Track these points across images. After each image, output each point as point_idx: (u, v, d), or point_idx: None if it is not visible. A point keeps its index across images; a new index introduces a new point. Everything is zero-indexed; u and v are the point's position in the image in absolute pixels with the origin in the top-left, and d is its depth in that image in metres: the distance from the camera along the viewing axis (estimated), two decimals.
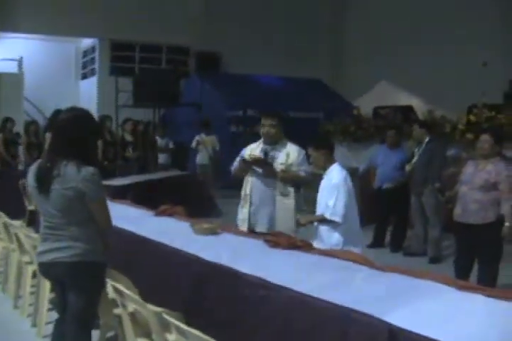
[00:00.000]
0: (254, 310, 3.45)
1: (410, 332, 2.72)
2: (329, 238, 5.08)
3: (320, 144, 5.34)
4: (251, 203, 5.66)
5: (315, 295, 3.18)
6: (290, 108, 15.63)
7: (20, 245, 5.72)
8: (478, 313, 2.99)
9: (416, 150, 8.54)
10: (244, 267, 3.79)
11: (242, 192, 5.85)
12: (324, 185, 5.21)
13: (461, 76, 16.94)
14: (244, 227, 5.62)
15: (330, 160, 5.25)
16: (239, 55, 20.59)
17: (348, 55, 23.07)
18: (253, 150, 5.78)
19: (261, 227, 5.56)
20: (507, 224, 5.68)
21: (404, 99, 15.24)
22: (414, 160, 8.42)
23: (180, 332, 2.90)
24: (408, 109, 12.70)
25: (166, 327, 3.18)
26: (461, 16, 17.94)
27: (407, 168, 8.46)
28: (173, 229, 5.29)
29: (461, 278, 5.52)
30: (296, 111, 16.30)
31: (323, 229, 5.12)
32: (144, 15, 20.33)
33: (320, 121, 13.75)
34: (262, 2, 21.91)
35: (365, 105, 14.35)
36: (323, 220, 5.08)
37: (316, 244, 5.00)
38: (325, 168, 5.23)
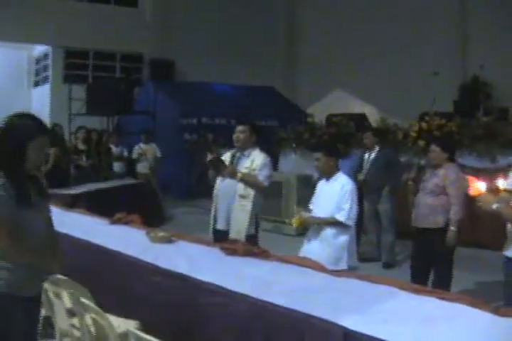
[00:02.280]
0: (213, 318, 3.46)
1: (364, 335, 2.78)
2: (336, 239, 5.25)
3: (331, 151, 5.50)
4: (216, 202, 6.04)
5: (272, 301, 3.21)
6: (244, 116, 15.70)
7: None
8: (432, 316, 3.06)
9: (366, 157, 8.59)
10: (202, 275, 3.81)
11: (215, 192, 6.16)
12: (332, 190, 5.35)
13: (413, 84, 17.23)
14: (211, 225, 6.04)
15: (336, 168, 5.45)
16: (193, 63, 20.58)
17: (302, 63, 23.24)
18: (227, 155, 6.14)
19: (220, 225, 5.95)
20: (452, 228, 5.82)
21: (357, 107, 15.42)
22: (366, 168, 8.50)
23: (138, 340, 2.90)
24: (361, 117, 12.85)
25: (123, 336, 3.18)
26: (414, 26, 18.25)
27: (359, 176, 8.40)
28: (129, 238, 5.27)
29: (417, 282, 5.60)
30: (250, 119, 16.35)
31: (330, 231, 5.26)
32: (98, 22, 20.22)
33: (274, 129, 13.79)
34: (216, 10, 21.95)
35: (319, 113, 14.48)
36: (331, 223, 5.24)
37: (314, 245, 5.29)
38: (329, 174, 5.43)
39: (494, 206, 3.95)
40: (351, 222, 5.24)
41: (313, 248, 5.27)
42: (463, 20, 18.03)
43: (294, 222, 5.38)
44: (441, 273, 6.12)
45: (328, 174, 5.46)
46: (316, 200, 5.53)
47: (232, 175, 5.84)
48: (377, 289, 3.51)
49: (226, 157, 6.13)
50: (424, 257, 6.19)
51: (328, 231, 5.25)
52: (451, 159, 6.20)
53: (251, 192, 5.86)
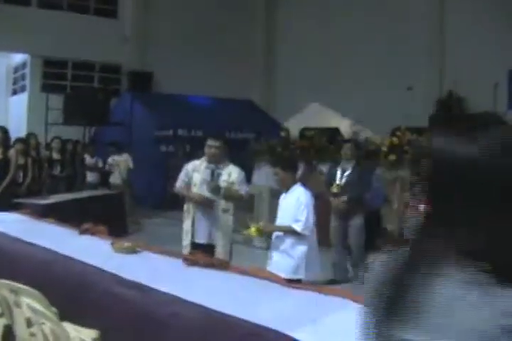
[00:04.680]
0: (169, 328, 3.51)
1: None
2: (294, 249, 5.48)
3: (288, 165, 5.79)
4: (194, 216, 6.23)
5: (224, 311, 3.28)
6: (221, 128, 15.78)
7: None
8: None
9: (340, 170, 8.40)
10: (161, 285, 3.86)
11: (185, 206, 6.43)
12: (289, 201, 5.59)
13: (388, 99, 17.42)
14: (187, 238, 6.22)
15: (294, 180, 5.73)
16: (171, 75, 20.66)
17: (280, 76, 23.43)
18: (197, 166, 6.37)
19: (201, 239, 6.19)
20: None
21: (333, 121, 15.56)
22: (342, 181, 8.32)
23: None
24: (334, 131, 12.99)
25: None
26: (390, 41, 18.49)
27: (334, 189, 8.32)
28: (94, 248, 5.31)
29: None
30: (227, 131, 16.44)
31: (288, 241, 5.50)
32: (77, 32, 20.25)
33: (249, 141, 13.90)
34: (194, 23, 22.09)
35: (295, 126, 14.62)
36: (288, 231, 5.46)
37: (275, 255, 5.55)
38: (287, 187, 5.67)
39: None
40: (307, 232, 5.44)
41: (275, 258, 5.49)
42: (440, 34, 18.27)
43: (253, 231, 5.50)
44: None
45: (286, 187, 5.68)
46: (279, 212, 5.73)
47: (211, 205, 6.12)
48: (330, 300, 3.58)
49: (196, 167, 6.34)
50: None
51: (287, 242, 5.49)
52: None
53: (231, 207, 6.20)
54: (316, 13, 21.45)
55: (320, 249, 7.80)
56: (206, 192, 6.20)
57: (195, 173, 6.35)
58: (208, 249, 5.98)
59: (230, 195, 6.11)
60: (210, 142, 6.26)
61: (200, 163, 6.38)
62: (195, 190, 6.32)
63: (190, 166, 6.44)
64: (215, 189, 6.10)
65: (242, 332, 3.10)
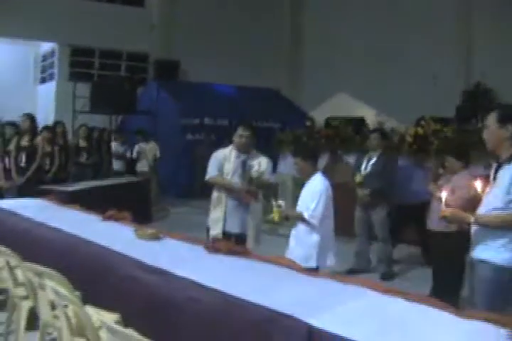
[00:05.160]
0: (188, 312, 3.57)
1: (328, 333, 2.88)
2: (307, 238, 5.52)
3: (308, 155, 5.76)
4: (226, 205, 6.21)
5: (242, 297, 3.33)
6: (246, 117, 15.81)
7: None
8: (396, 316, 3.16)
9: (365, 160, 8.32)
10: (181, 271, 3.93)
11: (215, 194, 6.35)
12: (308, 190, 5.63)
13: (414, 89, 17.32)
14: (217, 228, 6.20)
15: (314, 169, 5.74)
16: (198, 64, 20.72)
17: (306, 66, 23.39)
18: (227, 156, 6.31)
19: (234, 228, 6.19)
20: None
21: (358, 110, 15.53)
22: (367, 170, 8.24)
23: (113, 332, 3.01)
24: (360, 121, 12.95)
25: (101, 328, 3.30)
26: (417, 31, 18.35)
27: (357, 178, 8.24)
28: (118, 234, 5.39)
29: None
30: (253, 120, 16.47)
31: (302, 229, 5.56)
32: (105, 21, 20.41)
33: (274, 131, 13.90)
34: (222, 11, 22.12)
35: (321, 116, 14.61)
36: (300, 219, 5.52)
37: (291, 243, 5.62)
38: (308, 176, 5.70)
39: (471, 219, 4.05)
40: (314, 221, 5.45)
41: (290, 246, 5.54)
42: (467, 26, 18.11)
43: (274, 215, 5.53)
44: (443, 279, 6.27)
45: (307, 176, 5.71)
46: (300, 200, 5.75)
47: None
48: (346, 288, 3.62)
49: (226, 157, 6.33)
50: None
51: (300, 231, 5.56)
52: (465, 167, 6.40)
53: (260, 195, 6.26)
54: (342, 6, 21.36)
55: (343, 239, 7.90)
56: (238, 182, 6.20)
57: (225, 163, 6.29)
58: (240, 238, 6.05)
59: (261, 184, 6.15)
60: (241, 131, 6.21)
61: (230, 152, 6.32)
62: (226, 179, 6.28)
63: (220, 155, 6.34)
64: (249, 180, 6.12)
65: (259, 317, 3.15)
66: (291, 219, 5.64)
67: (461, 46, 18.09)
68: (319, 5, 22.57)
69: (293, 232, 5.67)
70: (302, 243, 5.49)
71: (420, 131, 10.17)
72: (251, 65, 21.59)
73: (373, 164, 8.23)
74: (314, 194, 5.49)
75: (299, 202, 5.66)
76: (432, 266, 6.84)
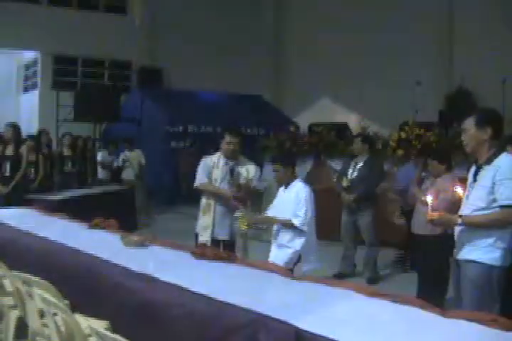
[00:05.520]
0: (176, 318, 3.60)
1: (315, 335, 2.93)
2: (292, 243, 5.60)
3: (287, 161, 5.85)
4: (215, 212, 6.27)
5: (229, 301, 3.38)
6: (230, 124, 15.84)
7: None
8: (382, 318, 3.21)
9: (352, 165, 8.36)
10: (168, 277, 3.97)
11: (204, 201, 6.42)
12: (290, 196, 5.67)
13: (398, 94, 17.43)
14: (206, 234, 6.26)
15: (293, 176, 5.80)
16: (181, 71, 20.76)
17: (289, 72, 23.47)
18: (215, 162, 6.38)
19: (223, 235, 6.26)
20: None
21: (342, 115, 15.63)
22: (353, 175, 8.28)
23: (103, 338, 3.04)
24: (343, 126, 13.03)
25: (89, 334, 3.33)
26: (400, 37, 18.49)
27: (344, 183, 8.27)
28: (105, 242, 5.41)
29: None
30: (238, 128, 16.49)
31: (287, 233, 5.63)
32: (87, 29, 20.40)
33: (258, 137, 13.96)
34: (205, 19, 22.17)
35: (304, 121, 14.68)
36: (287, 225, 5.59)
37: (274, 248, 5.72)
38: (287, 183, 5.74)
39: (458, 221, 4.13)
40: (306, 228, 5.55)
41: (273, 251, 5.59)
42: (448, 30, 18.28)
43: (240, 224, 5.59)
44: (430, 281, 6.33)
45: (286, 182, 5.78)
46: (275, 207, 5.84)
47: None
48: (333, 292, 3.67)
49: (215, 164, 6.39)
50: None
51: (285, 236, 5.60)
52: (449, 170, 6.48)
53: (248, 204, 6.26)
54: (325, 9, 21.48)
55: (329, 243, 7.96)
56: (227, 189, 6.26)
57: (214, 169, 6.36)
58: (229, 245, 6.12)
59: (249, 191, 6.20)
60: (228, 138, 6.26)
61: (218, 159, 6.38)
62: (216, 186, 6.34)
63: (209, 162, 6.40)
64: (237, 187, 6.16)
65: (246, 321, 3.18)
66: (275, 225, 5.69)
67: (442, 51, 18.26)
68: (301, 12, 22.69)
69: (275, 239, 5.73)
70: (287, 248, 5.56)
71: (403, 135, 10.27)
72: (234, 72, 21.64)
73: (360, 169, 8.28)
74: (300, 201, 5.55)
75: (279, 209, 5.70)
76: (416, 270, 6.91)
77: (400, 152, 10.01)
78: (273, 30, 24.39)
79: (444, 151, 7.38)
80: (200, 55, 21.56)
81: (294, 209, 5.55)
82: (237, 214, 5.72)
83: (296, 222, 5.51)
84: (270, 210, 5.88)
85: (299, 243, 5.57)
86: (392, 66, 18.43)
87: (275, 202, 5.88)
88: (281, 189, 5.87)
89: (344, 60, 20.09)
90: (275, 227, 5.82)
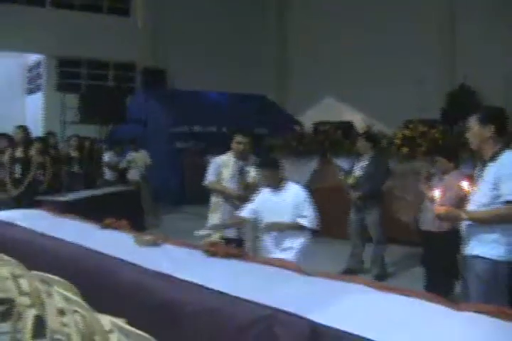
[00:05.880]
0: (189, 313, 3.69)
1: (330, 328, 3.02)
2: (293, 243, 5.51)
3: (274, 165, 5.69)
4: (223, 211, 6.39)
5: (243, 296, 3.47)
6: (234, 124, 15.92)
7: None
8: (392, 310, 3.30)
9: (357, 163, 8.46)
10: (183, 274, 4.06)
11: (213, 200, 6.54)
12: (284, 200, 5.55)
13: (401, 92, 17.50)
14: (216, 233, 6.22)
15: (282, 177, 5.68)
16: (185, 72, 20.84)
17: (294, 72, 23.56)
18: (225, 162, 6.49)
19: (231, 233, 6.26)
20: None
21: (346, 114, 15.69)
22: (358, 173, 8.36)
23: (124, 333, 3.14)
24: (348, 125, 13.08)
25: (110, 332, 3.43)
26: (402, 35, 18.55)
27: (350, 181, 8.36)
28: (117, 242, 5.51)
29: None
30: (238, 126, 16.56)
31: (291, 235, 5.52)
32: (91, 31, 20.49)
33: (264, 137, 14.02)
34: (208, 19, 22.25)
35: (308, 120, 14.75)
36: (294, 228, 5.49)
37: (277, 252, 5.49)
38: (278, 185, 5.62)
39: (463, 216, 4.22)
40: (315, 226, 5.52)
41: (277, 255, 5.42)
42: (451, 29, 18.33)
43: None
44: (438, 277, 6.41)
45: (275, 185, 5.65)
46: (268, 211, 5.64)
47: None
48: (344, 286, 3.76)
49: (225, 163, 6.49)
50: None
51: (288, 238, 5.54)
52: (457, 167, 6.57)
53: None
54: (328, 9, 21.54)
55: (337, 241, 8.01)
56: (235, 188, 6.38)
57: (224, 169, 6.48)
58: (238, 243, 6.11)
59: (257, 191, 6.19)
60: (239, 138, 6.40)
61: (228, 159, 6.50)
62: (223, 184, 6.46)
63: (218, 161, 6.53)
64: (245, 186, 6.24)
65: (261, 315, 3.27)
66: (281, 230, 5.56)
67: (445, 49, 18.30)
68: (304, 11, 22.76)
69: (277, 241, 5.59)
70: (291, 250, 5.49)
71: (408, 133, 10.34)
72: (238, 72, 21.72)
73: (365, 167, 8.36)
74: (304, 201, 5.51)
75: (276, 213, 5.54)
76: (424, 266, 6.99)
77: (405, 150, 10.08)
78: (276, 30, 24.45)
79: (452, 149, 7.47)
80: (203, 56, 21.65)
81: (297, 211, 5.47)
82: (202, 232, 5.58)
83: (305, 222, 5.46)
84: (264, 215, 5.66)
85: (301, 242, 5.53)
86: (395, 65, 18.48)
87: (265, 206, 5.66)
88: (267, 192, 5.72)
89: (348, 59, 20.17)
90: (274, 233, 5.63)
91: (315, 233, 5.71)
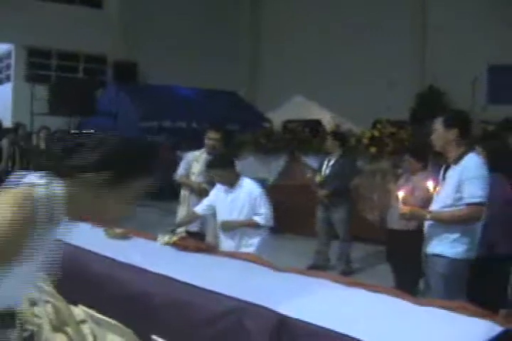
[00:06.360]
0: (160, 305, 3.78)
1: (297, 320, 3.13)
2: (252, 241, 5.46)
3: (226, 163, 5.57)
4: (189, 204, 6.46)
5: (214, 289, 3.57)
6: (204, 119, 15.98)
7: None
8: (358, 304, 3.43)
9: (326, 162, 8.54)
10: (153, 267, 4.15)
11: (182, 193, 6.70)
12: (238, 197, 5.48)
13: (370, 92, 17.70)
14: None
15: (236, 174, 5.58)
16: (157, 66, 20.74)
17: (264, 69, 23.65)
18: (196, 157, 6.63)
19: (194, 227, 6.32)
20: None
21: (315, 113, 15.78)
22: (327, 171, 8.44)
23: (96, 321, 3.22)
24: (316, 123, 13.20)
25: (82, 322, 3.50)
26: (373, 35, 18.75)
27: (318, 179, 8.46)
28: (88, 234, 5.54)
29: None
30: (211, 122, 16.62)
31: (249, 232, 5.47)
32: (62, 22, 20.27)
33: (233, 133, 14.08)
34: (180, 13, 22.20)
35: (278, 118, 14.86)
36: (251, 225, 5.44)
37: (234, 246, 5.42)
38: (231, 183, 5.52)
39: (428, 216, 4.38)
40: (270, 223, 5.46)
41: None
42: (422, 29, 18.59)
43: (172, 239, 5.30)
44: (403, 274, 6.56)
45: (230, 183, 5.54)
46: (221, 209, 5.61)
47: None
48: (311, 281, 3.88)
49: (196, 158, 6.61)
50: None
51: (247, 233, 5.49)
52: (425, 168, 6.66)
53: None
54: (301, 8, 21.66)
55: (304, 238, 8.09)
56: (202, 182, 6.48)
57: (194, 163, 6.63)
58: (199, 237, 6.17)
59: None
60: (210, 134, 6.52)
61: (200, 154, 6.63)
62: (193, 178, 6.60)
63: (190, 156, 6.70)
64: (211, 180, 6.31)
65: (231, 307, 3.38)
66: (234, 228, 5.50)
67: (415, 51, 18.57)
68: (277, 10, 22.86)
69: (229, 238, 5.54)
70: (246, 246, 5.43)
71: (376, 133, 10.48)
72: (209, 68, 21.69)
73: (332, 165, 8.45)
74: (257, 199, 5.43)
75: (232, 211, 5.51)
76: (390, 264, 7.13)
77: (373, 149, 10.22)
78: (249, 27, 24.51)
79: (421, 149, 7.62)
80: (175, 50, 21.58)
81: (252, 209, 5.43)
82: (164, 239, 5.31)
83: (261, 220, 5.40)
84: (219, 213, 5.63)
85: (259, 240, 5.46)
86: (365, 65, 18.69)
87: (219, 204, 5.63)
88: (220, 190, 5.66)
89: (318, 58, 20.31)
90: (232, 232, 5.54)
91: (272, 229, 5.66)
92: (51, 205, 1.81)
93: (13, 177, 1.84)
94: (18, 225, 1.73)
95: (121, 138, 1.98)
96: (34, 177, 1.85)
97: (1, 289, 1.83)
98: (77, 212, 1.96)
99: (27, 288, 2.15)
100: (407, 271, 6.49)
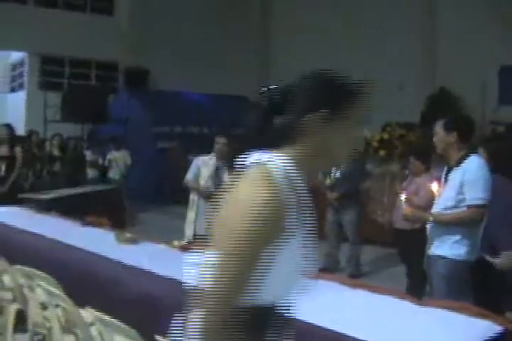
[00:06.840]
0: (167, 307, 3.82)
1: (302, 322, 3.17)
2: None
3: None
4: (197, 208, 6.58)
5: None
6: (215, 125, 16.03)
7: None
8: (363, 306, 3.47)
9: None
10: (161, 271, 4.20)
11: (191, 197, 6.79)
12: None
13: (379, 95, 17.63)
14: (190, 229, 6.57)
15: None
16: (167, 72, 20.84)
17: (275, 73, 23.65)
18: (206, 161, 6.72)
19: (203, 230, 6.21)
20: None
21: None
22: (337, 174, 8.43)
23: (105, 324, 3.27)
24: None
25: (91, 325, 3.56)
26: (381, 37, 18.74)
27: (328, 181, 8.46)
28: (98, 238, 5.63)
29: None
30: (223, 127, 16.69)
31: None
32: (74, 30, 20.44)
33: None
34: (191, 19, 22.29)
35: None
36: None
37: None
38: None
39: (430, 218, 4.42)
40: None
41: None
42: (432, 32, 18.57)
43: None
44: (415, 275, 6.58)
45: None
46: None
47: None
48: (319, 283, 3.91)
49: (205, 162, 6.69)
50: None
51: None
52: (428, 169, 6.74)
53: None
54: (311, 13, 21.70)
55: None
56: (212, 187, 6.55)
57: (203, 168, 6.72)
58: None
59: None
60: (217, 139, 6.65)
61: (210, 159, 6.73)
62: (202, 183, 6.68)
63: (199, 161, 6.80)
64: (218, 185, 6.40)
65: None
66: None
67: (425, 53, 18.55)
68: (287, 13, 22.90)
69: None
70: None
71: (385, 136, 10.53)
72: (220, 73, 21.76)
73: (343, 168, 8.38)
74: None
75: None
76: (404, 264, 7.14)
77: (382, 152, 10.26)
78: (259, 31, 24.56)
79: (425, 151, 7.64)
80: (185, 57, 21.65)
81: None
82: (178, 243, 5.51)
83: None
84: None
85: None
86: (375, 67, 18.67)
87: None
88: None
89: (329, 62, 20.25)
90: None
91: None
92: (290, 177, 1.77)
93: (237, 161, 1.81)
94: (274, 204, 1.67)
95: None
96: (257, 156, 1.79)
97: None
98: (310, 175, 1.95)
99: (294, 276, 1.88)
100: (413, 272, 6.53)
